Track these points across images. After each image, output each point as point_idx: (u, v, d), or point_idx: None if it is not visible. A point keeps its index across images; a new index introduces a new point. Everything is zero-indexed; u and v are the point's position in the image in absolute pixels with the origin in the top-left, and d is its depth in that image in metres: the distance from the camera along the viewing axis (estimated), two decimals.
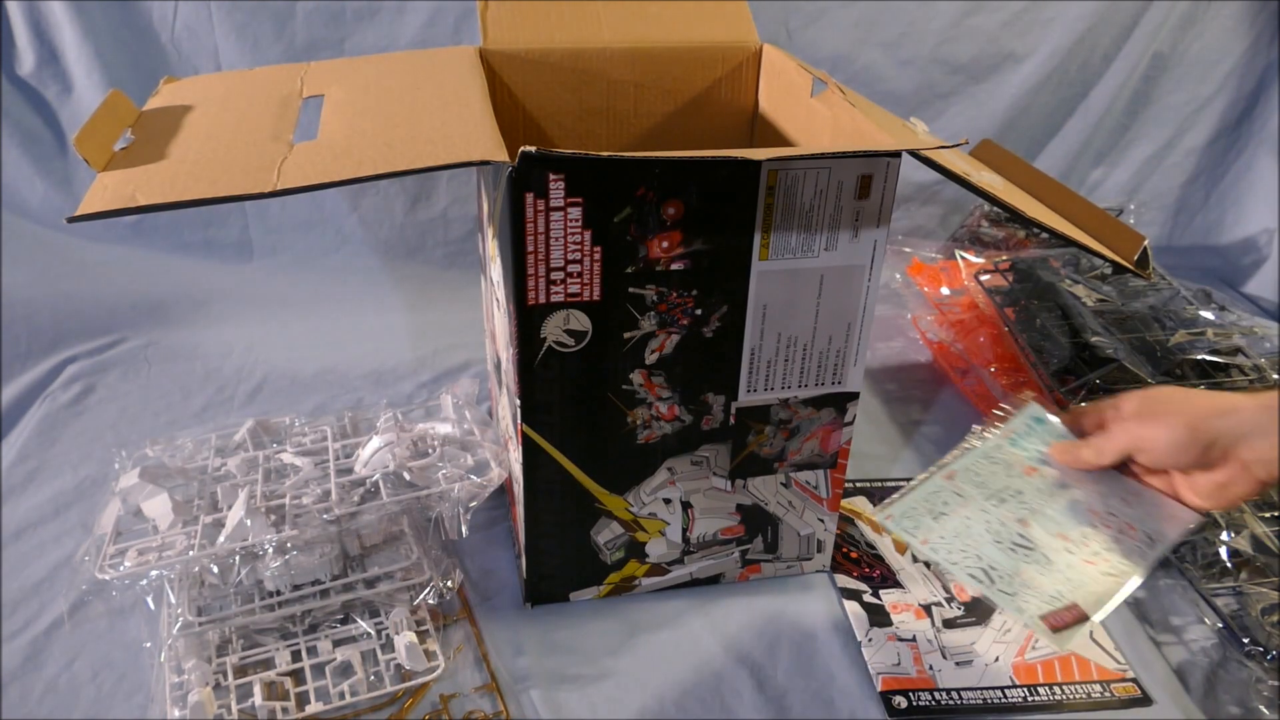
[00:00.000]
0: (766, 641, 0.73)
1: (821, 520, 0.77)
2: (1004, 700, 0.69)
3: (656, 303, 0.63)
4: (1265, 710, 0.68)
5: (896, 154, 0.61)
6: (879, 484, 0.91)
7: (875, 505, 0.81)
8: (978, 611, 0.76)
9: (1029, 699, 0.69)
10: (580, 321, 0.62)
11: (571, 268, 0.60)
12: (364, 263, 1.27)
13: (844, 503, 0.86)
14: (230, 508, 0.72)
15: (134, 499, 0.73)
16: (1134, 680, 0.71)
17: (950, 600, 0.77)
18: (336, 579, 0.72)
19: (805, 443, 0.72)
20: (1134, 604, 0.78)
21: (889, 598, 0.77)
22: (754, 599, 0.77)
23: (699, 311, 0.64)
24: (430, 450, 0.77)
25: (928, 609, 0.76)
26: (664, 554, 0.75)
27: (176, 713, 0.64)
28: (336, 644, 0.70)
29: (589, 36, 0.82)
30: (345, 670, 0.68)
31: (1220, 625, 0.74)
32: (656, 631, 0.74)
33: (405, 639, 0.69)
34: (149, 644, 0.70)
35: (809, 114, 0.76)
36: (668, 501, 0.72)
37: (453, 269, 1.28)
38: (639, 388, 0.66)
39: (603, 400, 0.66)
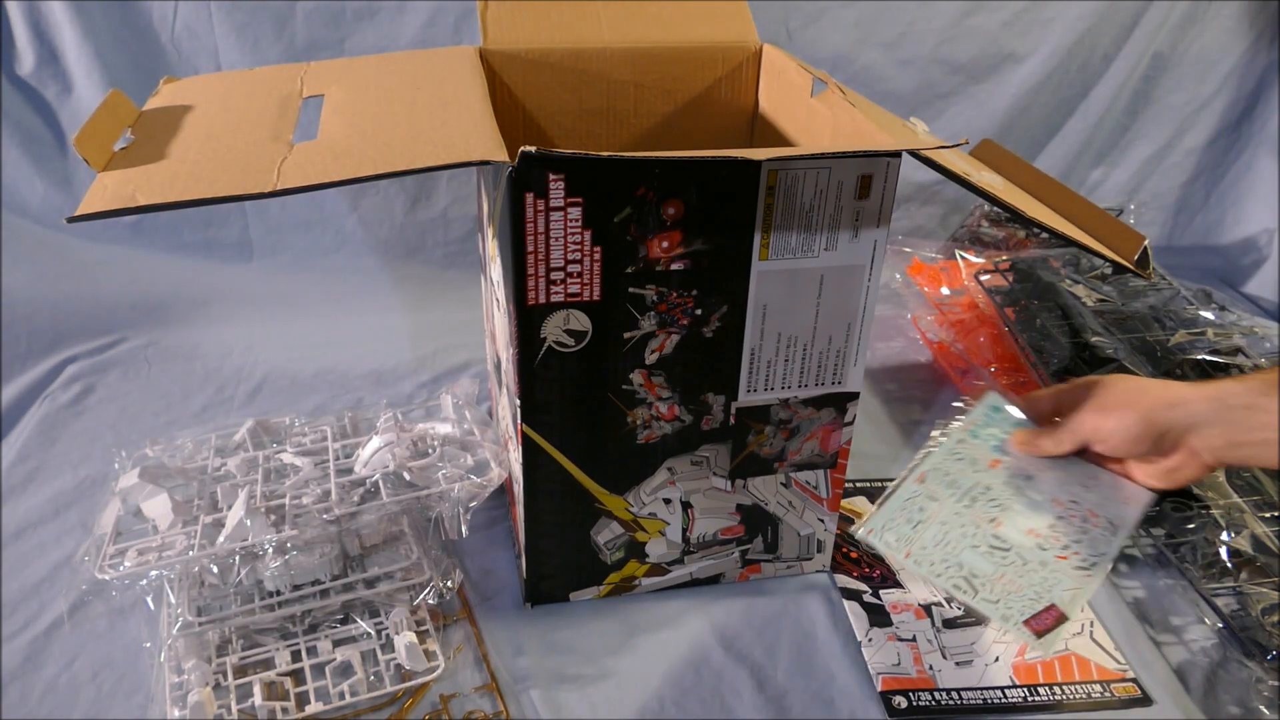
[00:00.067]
0: (766, 641, 0.73)
1: (821, 520, 0.77)
2: (1004, 700, 0.69)
3: (656, 303, 0.63)
4: (1265, 710, 0.68)
5: (896, 154, 0.61)
6: (879, 484, 0.91)
7: (874, 503, 0.81)
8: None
9: (1029, 699, 0.69)
10: (580, 321, 0.62)
11: (571, 268, 0.60)
12: (364, 263, 1.27)
13: (844, 503, 0.86)
14: (230, 508, 0.72)
15: (134, 499, 0.73)
16: (1134, 680, 0.71)
17: (950, 600, 0.77)
18: (336, 579, 0.72)
19: (805, 443, 0.72)
20: (1134, 604, 0.78)
21: (889, 598, 0.77)
22: (754, 599, 0.77)
23: (699, 311, 0.64)
24: (430, 450, 0.77)
25: (928, 609, 0.76)
26: (664, 554, 0.75)
27: (176, 713, 0.64)
28: (336, 644, 0.70)
29: (589, 36, 0.82)
30: (345, 670, 0.68)
31: (1220, 625, 0.74)
32: (656, 631, 0.74)
33: (405, 639, 0.69)
34: (149, 644, 0.70)
35: (809, 114, 0.76)
36: (668, 501, 0.72)
37: (453, 269, 1.28)
38: (639, 388, 0.66)
39: (603, 400, 0.66)
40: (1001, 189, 0.63)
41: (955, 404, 0.72)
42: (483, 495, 0.73)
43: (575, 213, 0.58)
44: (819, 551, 0.78)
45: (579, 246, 0.59)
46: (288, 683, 0.67)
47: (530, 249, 0.59)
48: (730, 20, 0.85)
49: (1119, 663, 0.72)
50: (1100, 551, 0.63)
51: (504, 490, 0.82)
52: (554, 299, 0.61)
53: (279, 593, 0.70)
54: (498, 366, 0.78)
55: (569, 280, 0.60)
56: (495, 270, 0.70)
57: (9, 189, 1.19)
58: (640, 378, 0.66)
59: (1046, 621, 0.60)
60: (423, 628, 0.72)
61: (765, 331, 0.66)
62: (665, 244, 0.61)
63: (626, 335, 0.64)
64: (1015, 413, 0.69)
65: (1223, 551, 0.77)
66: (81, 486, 0.88)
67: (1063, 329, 0.95)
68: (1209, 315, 0.98)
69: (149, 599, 0.70)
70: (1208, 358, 0.91)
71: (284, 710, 0.65)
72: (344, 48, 1.18)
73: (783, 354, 0.67)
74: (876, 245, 0.64)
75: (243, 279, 1.24)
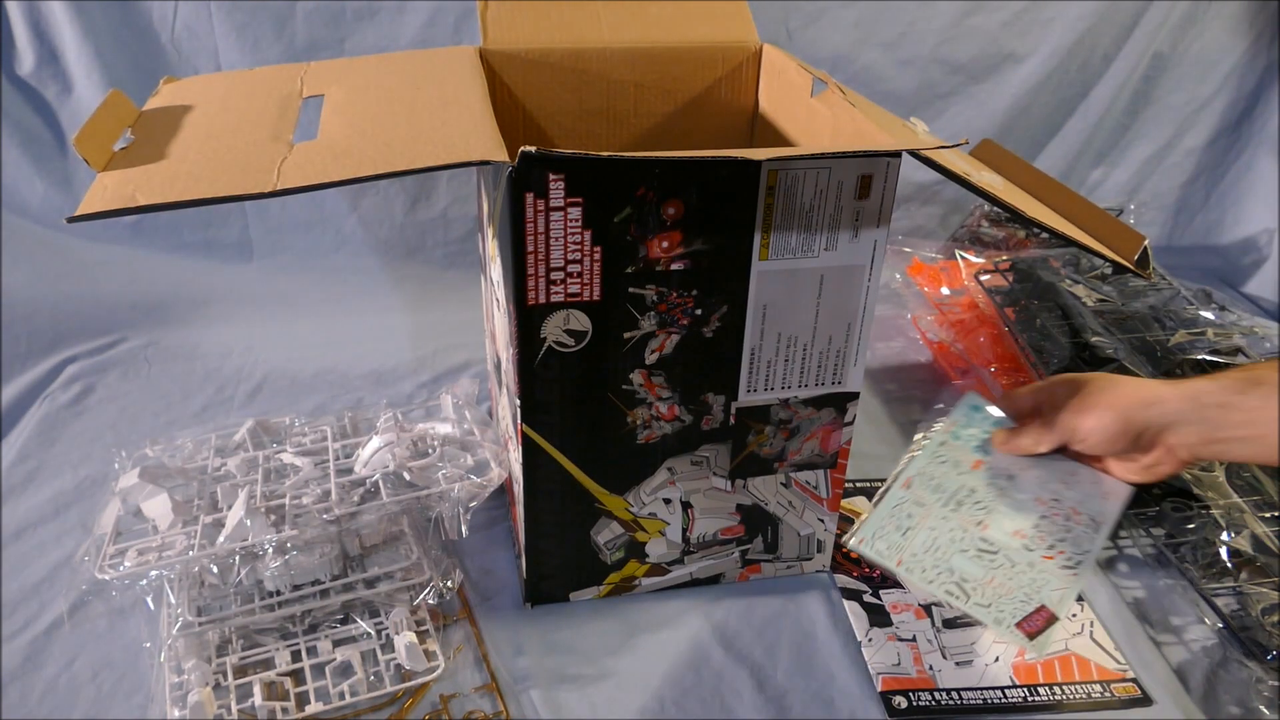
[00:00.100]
0: (766, 641, 0.73)
1: (821, 520, 0.77)
2: (1004, 700, 0.69)
3: (656, 303, 0.63)
4: (1265, 710, 0.68)
5: (896, 154, 0.61)
6: (879, 484, 0.90)
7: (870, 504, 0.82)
8: None
9: (1029, 699, 0.69)
10: (580, 321, 0.62)
11: (571, 268, 0.60)
12: (364, 263, 1.27)
13: (844, 503, 0.86)
14: (230, 508, 0.72)
15: (134, 499, 0.73)
16: (1134, 680, 0.71)
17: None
18: (336, 579, 0.72)
19: (805, 443, 0.72)
20: (1134, 604, 0.78)
21: (889, 598, 0.77)
22: (754, 599, 0.77)
23: (699, 311, 0.64)
24: (430, 450, 0.77)
25: (928, 609, 0.76)
26: (664, 554, 0.75)
27: (176, 713, 0.64)
28: (336, 644, 0.70)
29: (589, 36, 0.82)
30: (345, 670, 0.68)
31: (1220, 625, 0.74)
32: (656, 631, 0.74)
33: (405, 639, 0.69)
34: (149, 644, 0.70)
35: (809, 114, 0.76)
36: (668, 501, 0.72)
37: (453, 269, 1.28)
38: (639, 388, 0.66)
39: (603, 400, 0.66)
40: (1001, 189, 0.63)
41: (938, 405, 0.72)
42: (483, 495, 0.73)
43: (575, 213, 0.58)
44: (819, 551, 0.78)
45: (579, 246, 0.59)
46: (288, 683, 0.67)
47: (530, 249, 0.59)
48: (730, 20, 0.85)
49: (1119, 663, 0.72)
50: (1084, 549, 0.65)
51: (504, 490, 0.82)
52: (554, 299, 0.61)
53: (279, 593, 0.70)
54: (498, 366, 0.78)
55: (569, 280, 0.60)
56: (495, 270, 0.70)
57: (9, 189, 1.19)
58: (640, 378, 0.66)
59: (1037, 623, 0.61)
60: (423, 628, 0.72)
61: (765, 331, 0.66)
62: (665, 244, 0.61)
63: (626, 335, 0.64)
64: (994, 412, 0.70)
65: (1223, 551, 0.77)
66: (81, 486, 0.88)
67: (1063, 329, 0.95)
68: (1209, 315, 0.98)
69: (149, 599, 0.70)
70: (1208, 357, 0.91)
71: (284, 710, 0.65)
72: (344, 48, 1.18)
73: (783, 354, 0.67)
74: (876, 245, 0.64)
75: (243, 279, 1.24)
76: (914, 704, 0.68)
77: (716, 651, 0.72)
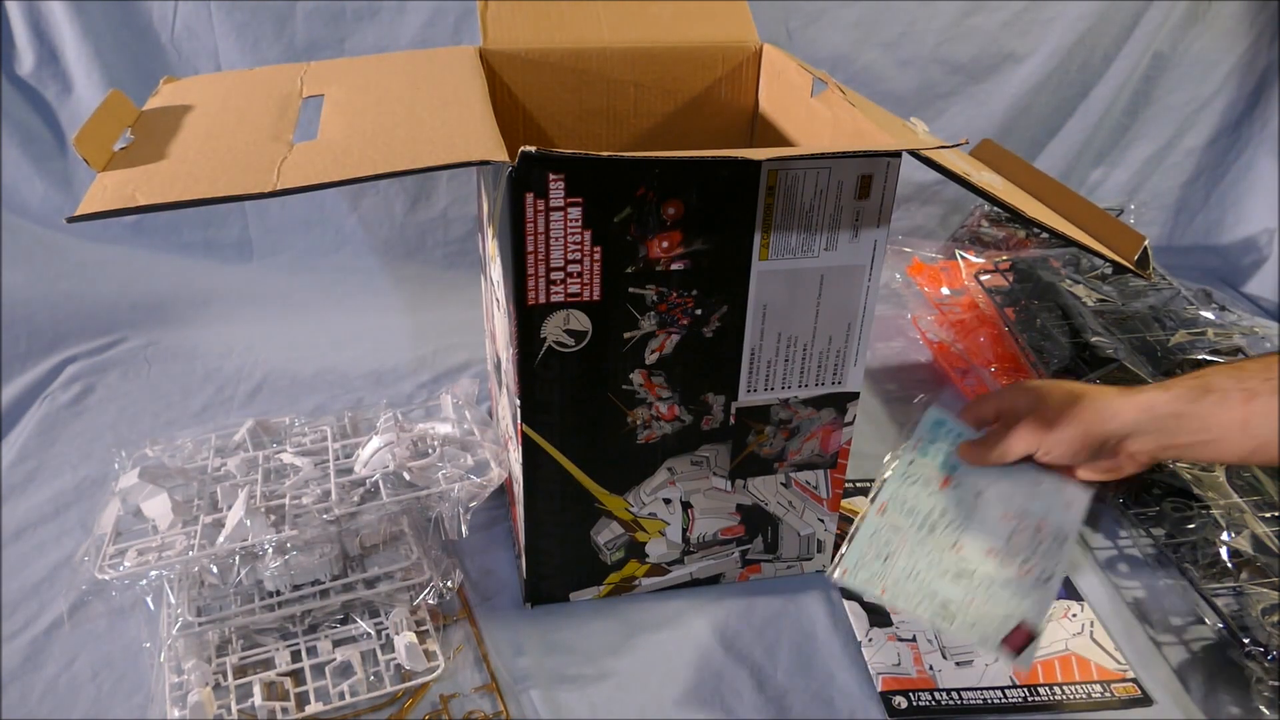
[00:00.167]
0: (766, 641, 0.73)
1: (821, 520, 0.77)
2: (1004, 700, 0.69)
3: (656, 303, 0.63)
4: (1265, 710, 0.68)
5: (896, 154, 0.61)
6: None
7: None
8: None
9: (1029, 699, 0.69)
10: (580, 321, 0.62)
11: (571, 268, 0.60)
12: (364, 263, 1.27)
13: (844, 503, 0.86)
14: (230, 508, 0.72)
15: (134, 499, 0.73)
16: (1134, 680, 0.71)
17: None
18: (336, 579, 0.72)
19: (805, 443, 0.72)
20: (1134, 604, 0.78)
21: None
22: (754, 599, 0.77)
23: (699, 311, 0.64)
24: (430, 450, 0.77)
25: None
26: (664, 554, 0.75)
27: (176, 713, 0.64)
28: (336, 644, 0.70)
29: (589, 36, 0.82)
30: (345, 670, 0.68)
31: (1220, 625, 0.74)
32: (656, 631, 0.74)
33: (405, 639, 0.69)
34: (149, 644, 0.70)
35: (809, 114, 0.76)
36: (668, 501, 0.72)
37: (453, 269, 1.28)
38: (639, 388, 0.66)
39: (603, 400, 0.66)
40: (1001, 189, 0.63)
41: (920, 397, 0.73)
42: (483, 495, 0.73)
43: (575, 213, 0.58)
44: (819, 551, 0.78)
45: (579, 246, 0.59)
46: (288, 683, 0.67)
47: (530, 249, 0.59)
48: (730, 20, 0.85)
49: (1119, 663, 0.72)
50: (1053, 562, 0.67)
51: (504, 490, 0.82)
52: (554, 299, 0.61)
53: (279, 593, 0.70)
54: (498, 366, 0.78)
55: (569, 280, 0.60)
56: (495, 270, 0.70)
57: (9, 189, 1.19)
58: (640, 378, 0.66)
59: (1019, 640, 0.63)
60: (423, 628, 0.72)
61: (765, 331, 0.66)
62: (665, 244, 0.61)
63: (626, 335, 0.64)
64: (957, 425, 0.72)
65: (1223, 551, 0.77)
66: (81, 486, 0.88)
67: (1063, 329, 0.95)
68: (1209, 315, 0.98)
69: (149, 599, 0.70)
70: (1208, 358, 0.91)
71: (284, 710, 0.65)
72: (344, 48, 1.18)
73: (783, 354, 0.67)
74: (876, 245, 0.64)
75: (243, 279, 1.24)
76: (914, 704, 0.68)
77: (716, 651, 0.72)
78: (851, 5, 1.25)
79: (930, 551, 0.67)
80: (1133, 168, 1.41)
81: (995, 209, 1.17)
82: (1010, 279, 1.06)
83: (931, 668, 0.71)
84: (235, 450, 0.81)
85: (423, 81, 0.70)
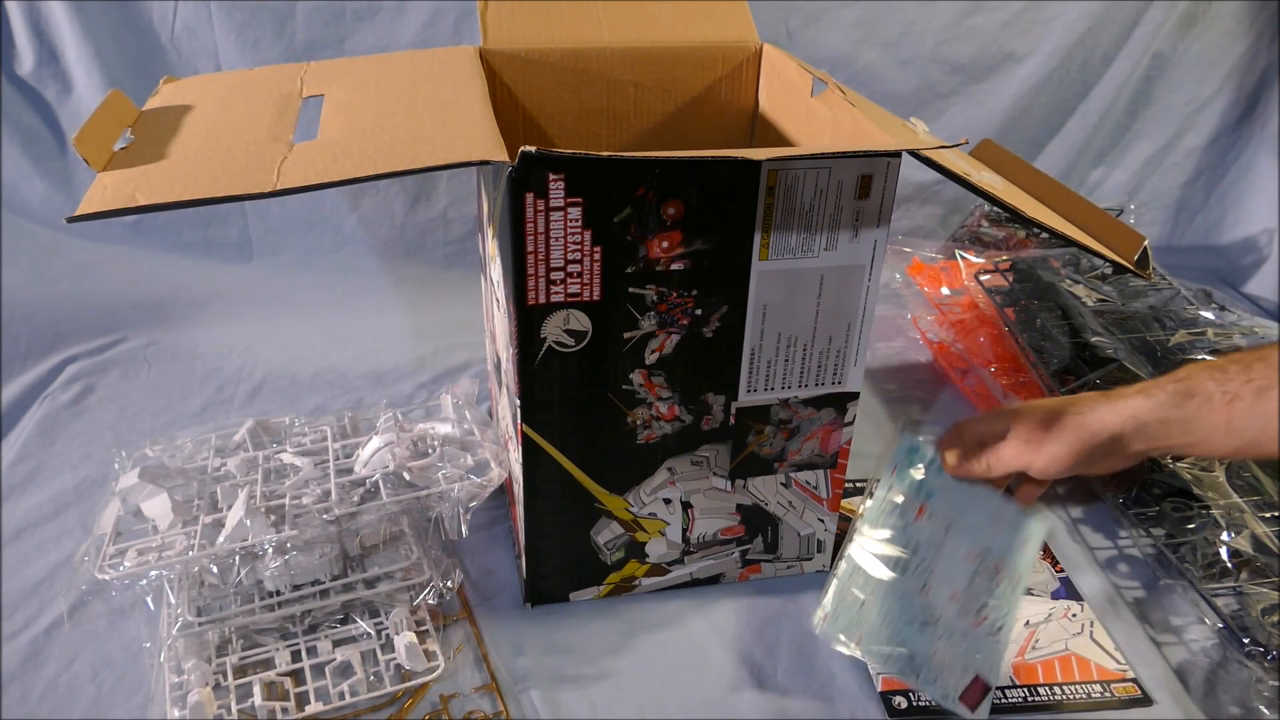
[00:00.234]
0: (766, 641, 0.73)
1: (821, 520, 0.77)
2: (1004, 700, 0.69)
3: (656, 303, 0.63)
4: (1265, 710, 0.68)
5: (896, 154, 0.61)
6: (879, 484, 0.91)
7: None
8: None
9: (1029, 699, 0.69)
10: (580, 321, 0.62)
11: (571, 268, 0.60)
12: (364, 263, 1.27)
13: (844, 503, 0.86)
14: (230, 508, 0.72)
15: (134, 499, 0.73)
16: (1134, 680, 0.71)
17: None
18: (336, 579, 0.72)
19: (805, 443, 0.72)
20: (1134, 604, 0.78)
21: None
22: (754, 599, 0.77)
23: (699, 311, 0.64)
24: (430, 450, 0.77)
25: None
26: (664, 554, 0.75)
27: (176, 713, 0.64)
28: (336, 644, 0.70)
29: (589, 36, 0.82)
30: (345, 670, 0.68)
31: (1220, 625, 0.74)
32: (656, 631, 0.74)
33: (405, 639, 0.69)
34: (149, 644, 0.70)
35: (809, 114, 0.76)
36: (668, 501, 0.72)
37: (453, 269, 1.28)
38: (639, 388, 0.66)
39: (603, 400, 0.66)
40: (1001, 189, 0.63)
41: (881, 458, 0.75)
42: (483, 495, 0.73)
43: (575, 213, 0.58)
44: (819, 551, 0.78)
45: (579, 246, 0.59)
46: (288, 683, 0.67)
47: (530, 249, 0.59)
48: (730, 20, 0.85)
49: (1119, 663, 0.72)
50: (1006, 610, 0.68)
51: (504, 490, 0.82)
52: (554, 299, 0.61)
53: (279, 593, 0.70)
54: (498, 366, 0.78)
55: (569, 280, 0.60)
56: (495, 270, 0.70)
57: (9, 189, 1.19)
58: (640, 378, 0.66)
59: (975, 694, 0.65)
60: (423, 628, 0.72)
61: (765, 331, 0.66)
62: (665, 244, 0.61)
63: (626, 335, 0.64)
64: (931, 451, 0.72)
65: (1223, 551, 0.77)
66: (81, 486, 0.88)
67: (1063, 329, 0.96)
68: (1209, 315, 0.98)
69: (149, 599, 0.70)
70: (1208, 357, 0.91)
71: (284, 710, 0.65)
72: (344, 48, 1.18)
73: (783, 354, 0.67)
74: (876, 245, 0.64)
75: (243, 279, 1.24)
76: (914, 704, 0.68)
77: (716, 651, 0.72)
78: (851, 5, 1.25)
79: (900, 595, 0.68)
80: (1133, 168, 1.41)
81: (995, 209, 1.17)
82: (1010, 279, 1.06)
83: None
84: (235, 450, 0.81)
85: (423, 81, 0.70)
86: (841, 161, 0.60)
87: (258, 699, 0.65)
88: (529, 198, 0.57)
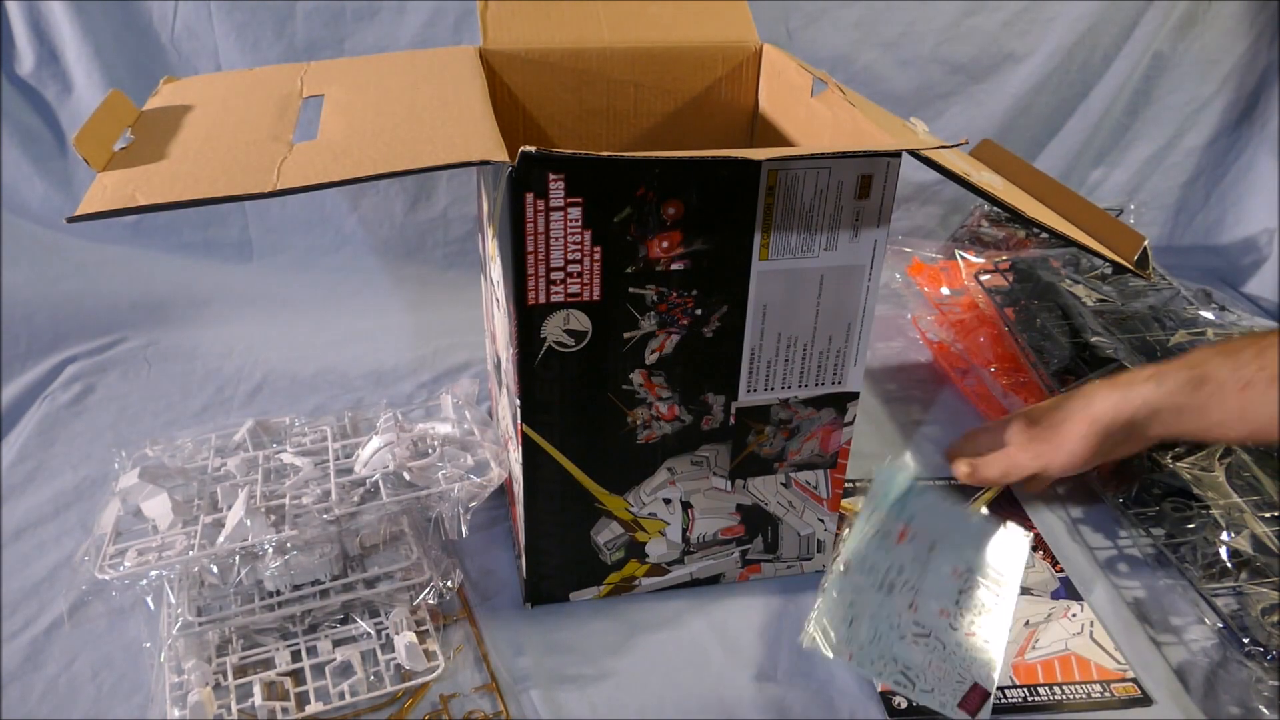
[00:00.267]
0: (766, 641, 0.73)
1: (821, 520, 0.77)
2: (1004, 700, 0.69)
3: (656, 303, 0.63)
4: (1265, 710, 0.68)
5: (896, 154, 0.61)
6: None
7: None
8: None
9: (1029, 699, 0.69)
10: (580, 321, 0.62)
11: (571, 268, 0.60)
12: (364, 263, 1.27)
13: (844, 503, 0.86)
14: (230, 508, 0.72)
15: (134, 499, 0.73)
16: (1134, 680, 0.71)
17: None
18: (336, 579, 0.72)
19: (805, 443, 0.72)
20: (1134, 604, 0.78)
21: None
22: (754, 599, 0.77)
23: (699, 311, 0.64)
24: (430, 450, 0.77)
25: None
26: (664, 554, 0.75)
27: (176, 713, 0.64)
28: (336, 644, 0.70)
29: (589, 36, 0.82)
30: (345, 670, 0.68)
31: (1220, 625, 0.74)
32: (656, 631, 0.74)
33: (405, 639, 0.69)
34: (149, 644, 0.70)
35: (809, 114, 0.76)
36: (668, 501, 0.72)
37: (453, 269, 1.28)
38: (639, 388, 0.66)
39: (603, 400, 0.66)
40: (1001, 189, 0.63)
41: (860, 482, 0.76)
42: (483, 495, 0.73)
43: (575, 213, 0.58)
44: (819, 551, 0.78)
45: (579, 246, 0.59)
46: (288, 683, 0.67)
47: (530, 249, 0.59)
48: (730, 20, 0.85)
49: (1119, 663, 0.72)
50: (999, 622, 0.71)
51: (504, 490, 0.82)
52: (554, 299, 0.61)
53: (279, 593, 0.70)
54: (498, 366, 0.78)
55: (569, 280, 0.60)
56: (495, 270, 0.70)
57: (9, 189, 1.19)
58: (640, 378, 0.66)
59: (974, 701, 0.67)
60: (423, 628, 0.72)
61: (765, 331, 0.66)
62: (665, 244, 0.61)
63: (626, 335, 0.64)
64: (907, 480, 0.77)
65: (1223, 551, 0.77)
66: (81, 486, 0.88)
67: (1063, 329, 0.96)
68: (1209, 315, 0.98)
69: (149, 599, 0.70)
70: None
71: (284, 710, 0.65)
72: (344, 48, 1.18)
73: (783, 354, 0.67)
74: (876, 245, 0.64)
75: (243, 279, 1.24)
76: (914, 704, 0.68)
77: (716, 651, 0.72)
78: (851, 5, 1.25)
79: (890, 613, 0.70)
80: (1133, 168, 1.41)
81: (995, 209, 1.17)
82: (1010, 279, 1.06)
83: None
84: (235, 450, 0.81)
85: (423, 81, 0.70)
86: (841, 161, 0.60)
87: (258, 699, 0.65)
88: (529, 198, 0.57)
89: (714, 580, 0.78)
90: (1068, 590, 0.78)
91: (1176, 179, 1.42)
